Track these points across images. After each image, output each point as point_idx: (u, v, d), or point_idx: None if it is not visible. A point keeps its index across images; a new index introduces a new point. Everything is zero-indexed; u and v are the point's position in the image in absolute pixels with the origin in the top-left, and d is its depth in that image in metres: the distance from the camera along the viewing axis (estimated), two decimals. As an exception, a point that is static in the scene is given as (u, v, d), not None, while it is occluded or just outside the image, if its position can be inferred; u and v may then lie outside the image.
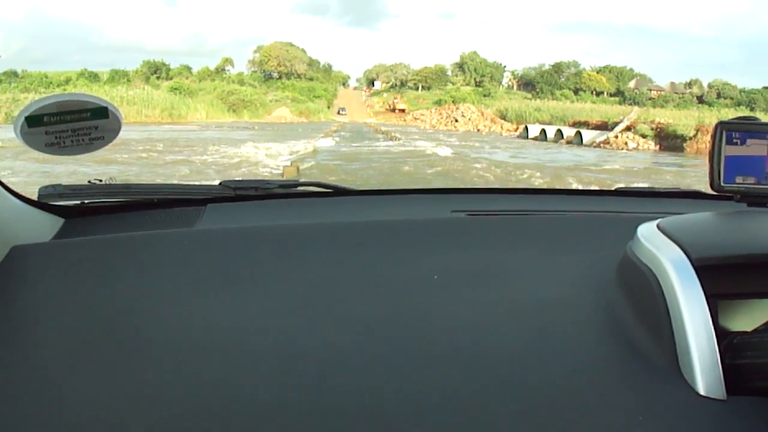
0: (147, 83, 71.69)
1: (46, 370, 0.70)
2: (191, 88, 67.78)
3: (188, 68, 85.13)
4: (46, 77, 71.81)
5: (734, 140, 0.89)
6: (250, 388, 0.66)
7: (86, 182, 1.38)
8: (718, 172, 0.89)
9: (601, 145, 30.60)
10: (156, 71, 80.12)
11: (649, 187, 1.63)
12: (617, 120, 35.83)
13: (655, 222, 0.85)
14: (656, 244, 0.79)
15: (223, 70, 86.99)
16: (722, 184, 0.90)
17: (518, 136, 40.87)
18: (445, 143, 26.68)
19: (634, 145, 30.29)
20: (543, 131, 37.40)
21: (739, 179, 0.90)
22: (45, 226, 1.13)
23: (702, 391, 0.65)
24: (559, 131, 35.87)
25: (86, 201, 1.30)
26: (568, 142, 33.28)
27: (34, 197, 1.21)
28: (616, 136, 31.40)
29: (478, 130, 50.34)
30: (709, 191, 0.93)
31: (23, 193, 1.10)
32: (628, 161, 21.85)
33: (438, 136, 36.99)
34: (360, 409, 0.64)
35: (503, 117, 55.88)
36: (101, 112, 0.93)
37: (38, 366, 0.71)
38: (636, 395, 0.66)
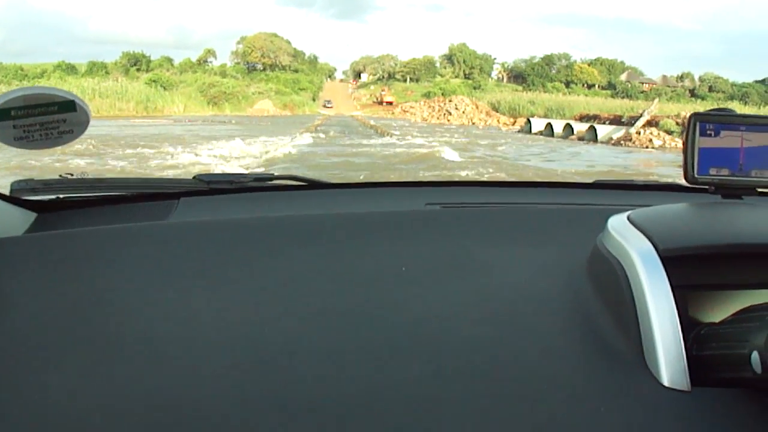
0: (126, 75, 68.08)
1: (18, 364, 0.67)
2: (171, 80, 63.90)
3: (169, 60, 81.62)
4: (22, 69, 68.25)
5: (708, 132, 0.88)
6: (223, 380, 0.65)
7: (58, 176, 1.36)
8: (692, 164, 0.88)
9: (622, 142, 25.96)
10: (136, 63, 76.62)
11: (626, 180, 1.58)
12: (635, 114, 31.19)
13: (626, 214, 0.83)
14: (625, 235, 0.77)
15: (206, 61, 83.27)
16: (696, 176, 0.88)
17: (520, 131, 36.30)
18: (446, 141, 21.89)
19: (660, 142, 25.42)
20: (549, 126, 32.73)
21: (713, 171, 0.88)
22: (17, 221, 1.12)
23: (666, 383, 0.63)
24: (569, 126, 31.24)
25: (59, 195, 1.28)
26: (580, 138, 28.71)
27: (6, 192, 1.19)
28: (638, 132, 26.70)
29: (473, 124, 45.68)
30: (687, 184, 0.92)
31: None
32: None
33: (435, 130, 32.24)
34: (331, 400, 0.63)
35: (495, 110, 51.63)
36: (68, 105, 0.92)
37: (11, 359, 0.68)
38: (600, 386, 0.65)
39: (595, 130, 28.55)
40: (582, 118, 36.79)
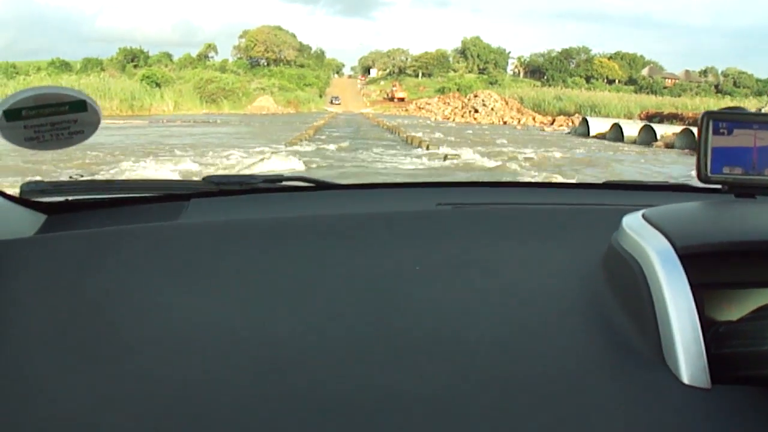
0: (123, 72, 59.86)
1: (28, 365, 0.66)
2: (167, 76, 55.75)
3: (168, 55, 73.59)
4: (14, 67, 59.76)
5: (721, 130, 0.84)
6: (234, 381, 0.63)
7: (68, 178, 1.18)
8: (705, 163, 0.84)
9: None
10: (133, 59, 68.40)
11: (637, 180, 1.52)
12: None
13: (641, 212, 0.80)
14: (641, 233, 0.74)
15: (206, 57, 74.90)
16: (709, 174, 0.85)
17: (570, 133, 27.70)
18: (531, 161, 13.37)
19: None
20: (617, 127, 24.20)
21: (726, 170, 0.84)
22: (27, 223, 1.07)
23: (686, 380, 0.61)
24: (649, 128, 22.79)
25: (69, 197, 1.24)
26: (668, 146, 20.18)
27: (16, 193, 1.15)
28: None
29: (504, 123, 37.07)
30: (698, 184, 0.89)
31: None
32: None
33: (485, 135, 23.55)
34: (343, 400, 0.61)
35: (519, 107, 42.82)
36: (80, 105, 0.87)
37: (20, 360, 0.67)
38: (619, 384, 0.63)
39: (693, 134, 19.89)
40: (651, 117, 28.05)
